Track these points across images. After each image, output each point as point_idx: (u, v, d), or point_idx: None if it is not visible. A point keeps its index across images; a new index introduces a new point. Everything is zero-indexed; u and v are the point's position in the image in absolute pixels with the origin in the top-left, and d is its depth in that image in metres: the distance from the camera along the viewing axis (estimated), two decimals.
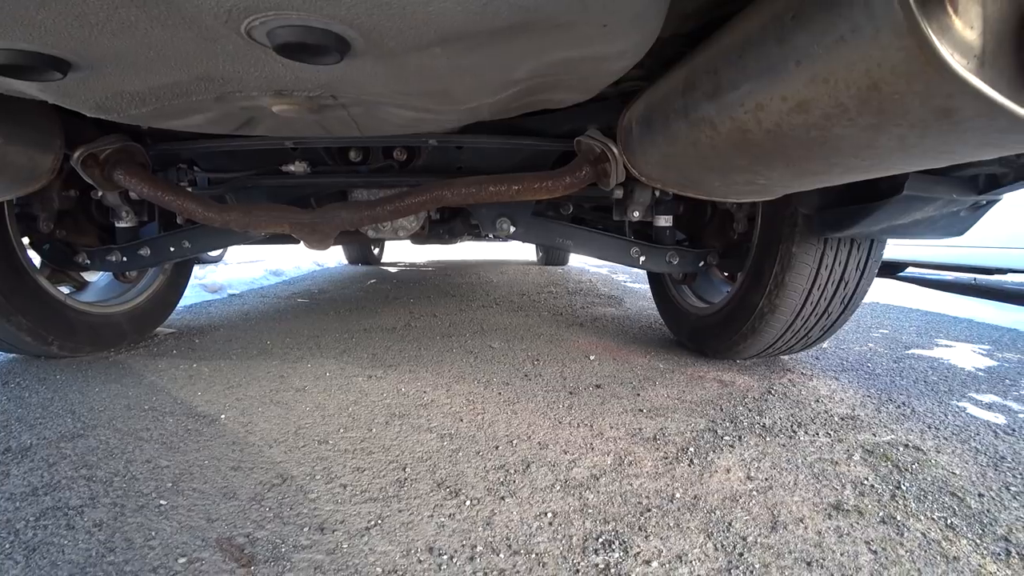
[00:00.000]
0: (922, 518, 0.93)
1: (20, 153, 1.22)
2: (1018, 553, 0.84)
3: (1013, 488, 1.04)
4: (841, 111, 0.64)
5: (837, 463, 1.13)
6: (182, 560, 0.77)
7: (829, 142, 0.72)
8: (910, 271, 6.10)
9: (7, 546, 0.80)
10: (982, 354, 2.15)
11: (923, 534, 0.88)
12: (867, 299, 3.35)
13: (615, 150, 1.29)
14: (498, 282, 4.25)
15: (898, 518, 0.93)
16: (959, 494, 1.02)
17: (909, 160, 0.75)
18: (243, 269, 4.45)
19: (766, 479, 1.05)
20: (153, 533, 0.84)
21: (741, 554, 0.82)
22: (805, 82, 0.65)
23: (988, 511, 0.96)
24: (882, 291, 3.89)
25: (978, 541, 0.87)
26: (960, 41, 0.51)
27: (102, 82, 0.84)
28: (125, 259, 1.83)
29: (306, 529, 0.86)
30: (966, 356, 2.11)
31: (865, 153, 0.73)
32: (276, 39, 0.66)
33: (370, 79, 0.85)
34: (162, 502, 0.93)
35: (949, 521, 0.92)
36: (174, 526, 0.86)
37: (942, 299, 3.66)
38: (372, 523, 0.88)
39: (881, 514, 0.94)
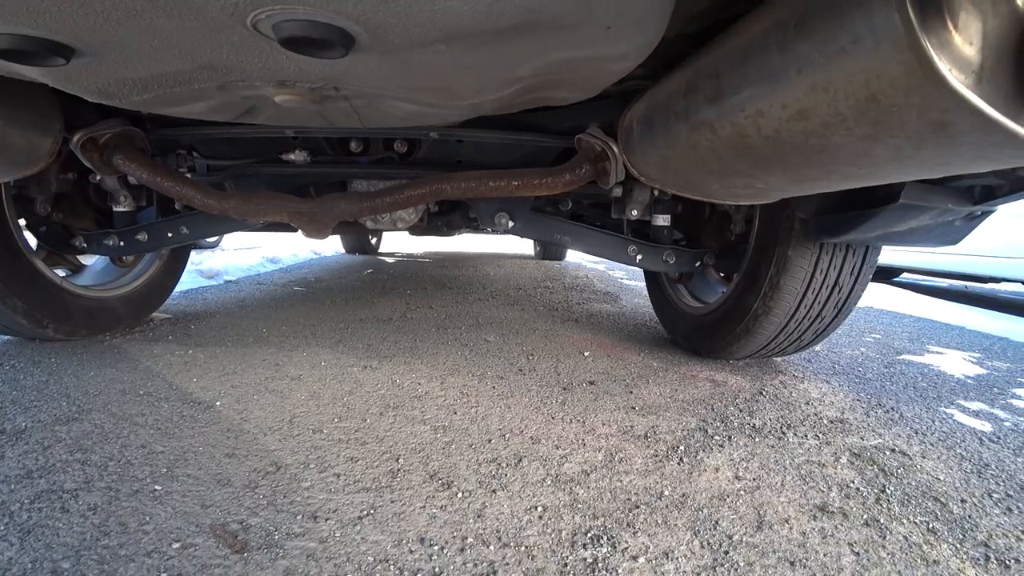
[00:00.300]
0: (905, 522, 0.95)
1: (19, 136, 1.22)
2: (996, 558, 0.86)
3: (995, 495, 1.06)
4: (839, 120, 0.65)
5: (824, 465, 1.14)
6: (176, 545, 0.78)
7: (827, 150, 0.72)
8: (905, 277, 6.13)
9: (2, 528, 0.80)
10: (972, 362, 2.18)
11: (905, 537, 0.90)
12: (861, 303, 3.38)
13: (615, 149, 1.29)
14: (495, 275, 4.25)
15: (881, 521, 0.94)
16: (942, 499, 1.03)
17: (905, 170, 0.76)
18: (240, 256, 4.45)
19: (754, 479, 1.07)
20: (147, 518, 0.85)
21: (727, 552, 0.83)
22: (805, 90, 0.65)
23: (969, 516, 0.98)
24: (876, 296, 3.91)
25: (958, 545, 0.89)
26: (959, 57, 0.52)
27: (105, 68, 0.84)
28: (122, 244, 1.83)
29: (299, 517, 0.87)
30: (956, 363, 2.13)
31: (862, 162, 0.74)
32: (281, 32, 0.66)
33: (373, 73, 0.86)
34: (157, 487, 0.94)
35: (931, 525, 0.94)
36: (168, 511, 0.87)
37: (935, 306, 3.69)
38: (365, 513, 0.89)
39: (865, 517, 0.95)
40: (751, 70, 0.73)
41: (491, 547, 0.82)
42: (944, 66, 0.51)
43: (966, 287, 5.86)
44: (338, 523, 0.86)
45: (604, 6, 0.67)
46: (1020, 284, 4.46)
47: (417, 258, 5.67)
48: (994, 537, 0.92)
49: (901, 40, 0.52)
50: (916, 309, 3.51)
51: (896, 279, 5.93)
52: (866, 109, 0.60)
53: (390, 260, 5.33)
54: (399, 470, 1.04)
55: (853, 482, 1.08)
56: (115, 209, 1.83)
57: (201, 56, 0.79)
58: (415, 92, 0.98)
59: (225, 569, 0.74)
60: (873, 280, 1.67)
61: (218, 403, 1.32)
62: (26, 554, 0.75)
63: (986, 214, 1.22)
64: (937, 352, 2.31)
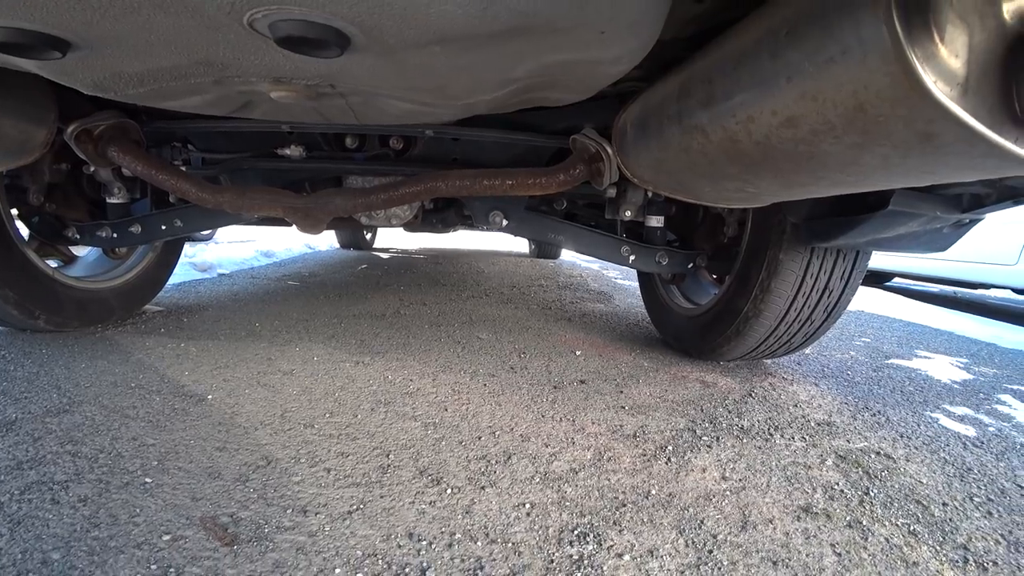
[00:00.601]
0: (887, 524, 0.96)
1: (13, 126, 1.21)
2: (975, 561, 0.87)
3: (976, 499, 1.08)
4: (828, 128, 0.66)
5: (810, 467, 1.16)
6: (166, 537, 0.79)
7: (816, 157, 0.74)
8: (896, 281, 6.18)
9: None
10: (959, 367, 2.20)
11: (886, 539, 0.91)
12: (851, 307, 3.41)
13: (609, 151, 1.30)
14: (489, 273, 4.26)
15: (864, 523, 0.96)
16: (924, 502, 1.05)
17: (892, 178, 0.77)
18: (234, 249, 4.42)
19: (740, 480, 1.08)
20: (138, 510, 0.85)
21: (711, 551, 0.85)
22: (795, 98, 0.66)
23: (950, 520, 0.99)
24: (867, 300, 3.94)
25: (938, 548, 0.90)
26: (945, 69, 0.53)
27: (101, 62, 0.84)
28: (115, 235, 1.82)
29: (289, 511, 0.87)
30: (943, 368, 2.16)
31: (850, 169, 0.75)
32: (277, 32, 0.66)
33: (369, 72, 0.86)
34: (147, 480, 0.94)
35: (912, 528, 0.96)
36: (159, 504, 0.87)
37: (924, 310, 3.72)
38: (354, 507, 0.90)
39: (848, 518, 0.97)
40: (743, 76, 0.74)
41: (479, 543, 0.83)
42: (930, 78, 0.52)
43: (956, 292, 5.91)
44: (328, 517, 0.86)
45: (598, 10, 0.68)
46: (1009, 290, 4.51)
47: (412, 254, 5.67)
48: (974, 540, 0.93)
49: (888, 52, 0.52)
50: (906, 314, 3.54)
51: (887, 283, 5.98)
52: (854, 118, 0.61)
53: (384, 256, 5.32)
54: (389, 466, 1.04)
55: (838, 484, 1.09)
56: (109, 200, 1.82)
57: (198, 52, 0.80)
58: (410, 91, 0.98)
59: (215, 562, 0.75)
60: (864, 284, 1.69)
61: (210, 397, 1.32)
62: (16, 544, 0.75)
63: (974, 222, 1.24)
64: (925, 357, 2.34)
